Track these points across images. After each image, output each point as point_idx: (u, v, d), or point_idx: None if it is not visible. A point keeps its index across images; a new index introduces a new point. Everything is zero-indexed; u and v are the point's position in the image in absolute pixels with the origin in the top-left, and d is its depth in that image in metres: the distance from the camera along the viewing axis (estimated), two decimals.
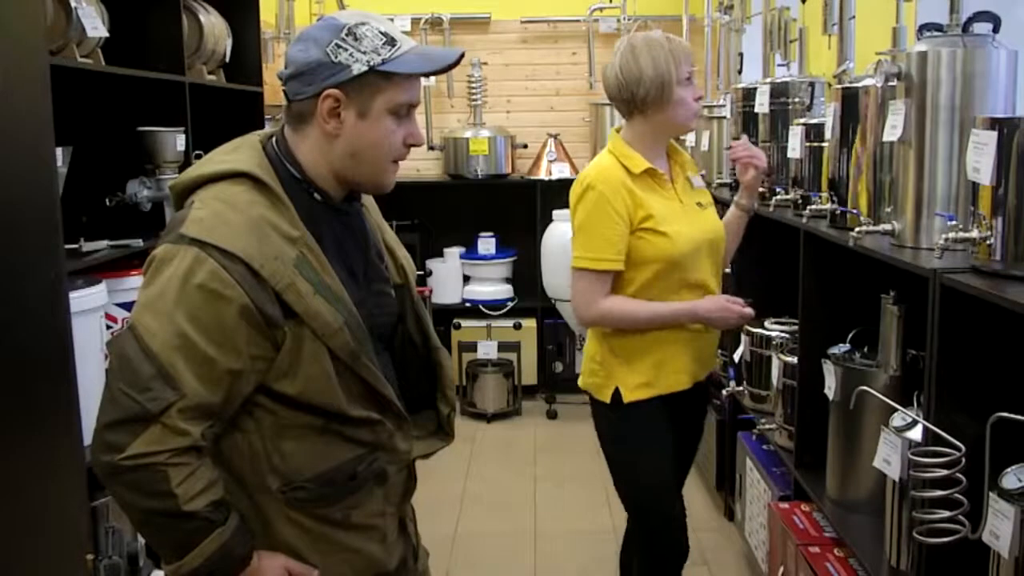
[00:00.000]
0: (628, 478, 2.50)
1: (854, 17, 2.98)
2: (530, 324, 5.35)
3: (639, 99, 2.30)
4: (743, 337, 3.33)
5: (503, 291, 5.45)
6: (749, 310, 2.34)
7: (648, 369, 2.37)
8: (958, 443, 1.71)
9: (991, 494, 1.61)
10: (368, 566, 1.60)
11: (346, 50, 1.45)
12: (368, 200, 1.71)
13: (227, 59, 3.75)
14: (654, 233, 2.27)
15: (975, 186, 1.79)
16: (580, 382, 2.53)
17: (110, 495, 1.43)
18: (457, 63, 1.55)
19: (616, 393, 2.39)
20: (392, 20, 5.25)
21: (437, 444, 1.74)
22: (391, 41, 1.47)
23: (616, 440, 2.48)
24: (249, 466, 1.51)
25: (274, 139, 1.56)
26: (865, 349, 2.46)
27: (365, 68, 1.45)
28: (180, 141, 3.05)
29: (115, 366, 1.40)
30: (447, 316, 5.35)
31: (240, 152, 1.53)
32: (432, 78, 5.55)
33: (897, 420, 2.07)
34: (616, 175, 2.29)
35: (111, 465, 1.37)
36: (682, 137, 3.24)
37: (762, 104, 3.18)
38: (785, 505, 2.82)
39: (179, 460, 1.38)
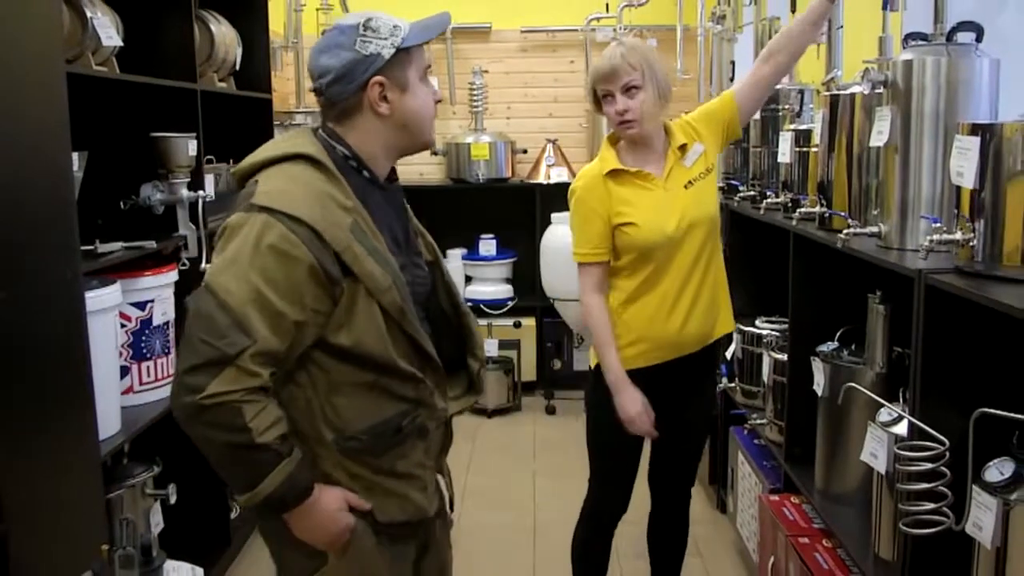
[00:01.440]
0: (593, 438, 2.65)
1: (842, 26, 2.98)
2: (529, 323, 5.35)
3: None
4: (735, 335, 3.33)
5: (503, 291, 5.45)
6: (647, 430, 2.47)
7: (625, 343, 2.47)
8: (942, 438, 1.71)
9: (974, 487, 1.61)
10: (413, 510, 1.73)
11: (370, 42, 1.61)
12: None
13: (237, 67, 3.75)
14: (627, 225, 2.41)
15: (958, 190, 1.80)
16: None
17: (190, 436, 1.56)
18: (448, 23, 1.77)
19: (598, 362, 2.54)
20: None
21: (469, 399, 1.88)
22: (396, 24, 1.64)
23: (591, 404, 2.63)
24: (306, 420, 1.63)
25: (322, 129, 1.70)
26: (852, 347, 2.46)
27: (393, 50, 1.61)
28: (192, 146, 3.05)
29: (193, 320, 1.52)
30: None
31: (297, 139, 1.67)
32: (436, 87, 5.57)
33: (883, 415, 2.07)
34: (595, 173, 2.47)
35: (193, 405, 1.48)
36: None
37: None
38: (775, 497, 2.82)
39: (251, 398, 1.50)
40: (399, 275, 1.63)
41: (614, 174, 2.44)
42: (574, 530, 2.75)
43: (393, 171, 1.77)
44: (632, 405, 2.42)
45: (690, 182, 2.46)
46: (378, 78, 1.62)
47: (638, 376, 2.47)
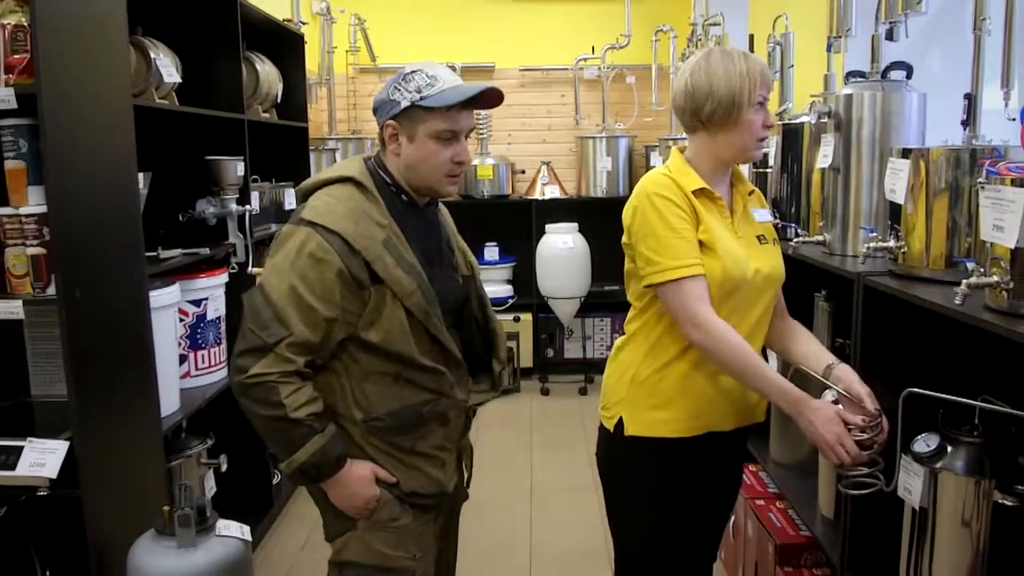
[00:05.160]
0: (622, 525, 1.88)
1: (792, 66, 2.99)
2: (527, 317, 5.35)
3: (705, 115, 1.67)
4: None
5: (505, 290, 5.44)
6: (853, 454, 1.55)
7: (667, 404, 1.74)
8: (878, 408, 1.71)
9: (905, 456, 1.62)
10: (432, 484, 1.71)
11: (399, 90, 1.60)
12: (445, 213, 1.86)
13: (279, 100, 3.75)
14: (706, 250, 1.65)
15: (892, 204, 1.80)
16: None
17: (241, 408, 1.60)
18: (480, 96, 1.61)
19: (619, 422, 1.78)
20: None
21: (490, 394, 1.83)
22: (433, 81, 1.59)
23: (614, 481, 1.86)
24: (340, 402, 1.64)
25: (373, 157, 1.71)
26: None
27: (408, 103, 1.59)
28: (240, 168, 3.06)
29: (247, 311, 1.56)
30: None
31: (348, 165, 1.69)
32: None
33: (828, 396, 2.07)
34: (669, 183, 1.69)
35: (240, 383, 1.54)
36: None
37: None
38: None
39: (285, 379, 1.53)
40: (425, 283, 1.62)
41: (700, 193, 1.68)
42: None
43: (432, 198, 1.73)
44: (831, 427, 1.55)
45: (764, 237, 1.78)
46: (391, 122, 1.62)
47: (676, 447, 1.75)
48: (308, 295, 1.53)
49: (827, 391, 1.75)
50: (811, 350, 1.81)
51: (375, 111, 1.66)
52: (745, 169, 2.76)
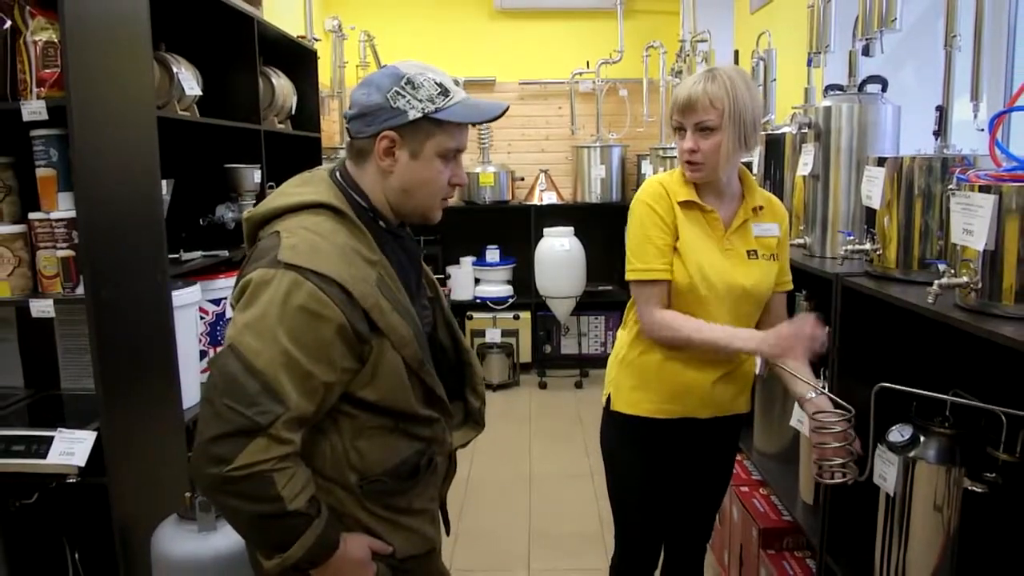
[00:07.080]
0: (616, 492, 1.96)
1: (775, 79, 2.99)
2: (526, 315, 5.35)
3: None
4: None
5: (505, 290, 5.44)
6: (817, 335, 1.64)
7: (649, 392, 1.83)
8: (848, 406, 1.70)
9: (880, 446, 1.62)
10: (425, 543, 1.45)
11: (404, 97, 1.27)
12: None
13: (293, 112, 3.75)
14: (677, 256, 1.74)
15: (868, 209, 1.80)
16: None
17: (214, 505, 1.25)
18: (501, 116, 1.34)
19: (609, 398, 1.90)
20: None
21: (471, 434, 1.55)
22: (445, 91, 1.29)
23: (609, 452, 1.95)
24: (331, 465, 1.31)
25: (338, 173, 1.36)
26: None
27: (420, 115, 1.27)
28: (257, 175, 3.06)
29: (218, 383, 1.17)
30: (462, 310, 5.34)
31: (314, 185, 1.34)
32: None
33: (809, 393, 2.06)
34: (664, 193, 1.76)
35: (220, 477, 1.16)
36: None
37: None
38: None
39: (282, 465, 1.18)
40: (418, 325, 1.33)
41: (686, 205, 1.75)
42: None
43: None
44: (793, 329, 1.66)
45: (755, 253, 1.79)
46: (390, 133, 1.28)
47: (654, 427, 1.83)
48: (304, 358, 1.18)
49: (808, 391, 1.75)
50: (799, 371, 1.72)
51: (357, 117, 1.30)
52: None
